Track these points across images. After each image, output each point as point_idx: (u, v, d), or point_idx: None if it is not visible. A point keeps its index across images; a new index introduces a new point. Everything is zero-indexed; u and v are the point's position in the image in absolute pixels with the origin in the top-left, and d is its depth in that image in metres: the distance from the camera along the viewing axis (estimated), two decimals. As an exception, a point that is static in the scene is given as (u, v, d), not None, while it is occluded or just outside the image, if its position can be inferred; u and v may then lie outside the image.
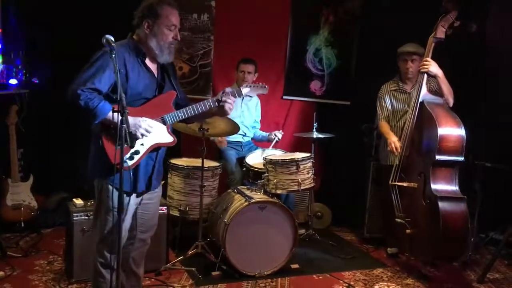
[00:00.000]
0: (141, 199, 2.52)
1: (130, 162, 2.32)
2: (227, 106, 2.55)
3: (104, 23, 4.04)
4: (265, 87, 2.81)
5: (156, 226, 2.72)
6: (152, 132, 2.39)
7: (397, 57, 3.85)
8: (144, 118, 2.37)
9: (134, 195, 2.44)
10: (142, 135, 2.35)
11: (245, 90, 2.68)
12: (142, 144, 2.37)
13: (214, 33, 4.73)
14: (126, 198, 2.39)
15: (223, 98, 2.55)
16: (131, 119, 2.28)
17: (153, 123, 2.40)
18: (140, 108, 2.40)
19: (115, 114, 2.17)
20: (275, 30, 4.83)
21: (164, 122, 2.46)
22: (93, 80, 2.25)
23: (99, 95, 2.27)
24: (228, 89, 2.60)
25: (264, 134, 4.46)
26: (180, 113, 2.49)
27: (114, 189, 2.34)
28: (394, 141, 3.62)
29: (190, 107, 2.52)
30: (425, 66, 3.43)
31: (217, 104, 2.56)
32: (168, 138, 2.47)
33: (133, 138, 2.33)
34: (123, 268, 2.54)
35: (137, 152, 2.36)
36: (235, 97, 2.60)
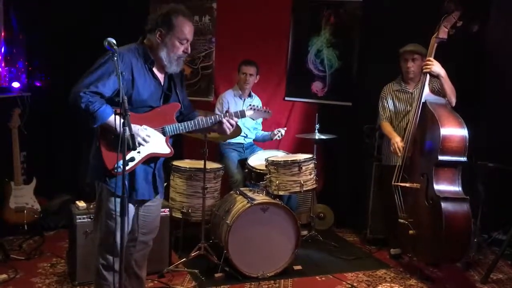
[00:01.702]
0: (141, 204, 2.51)
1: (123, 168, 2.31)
2: (226, 125, 2.57)
3: (106, 26, 4.06)
4: (269, 112, 2.84)
5: (158, 228, 2.72)
6: (150, 142, 2.39)
7: (399, 57, 3.85)
8: (145, 127, 2.37)
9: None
10: (139, 144, 2.34)
11: (249, 113, 2.72)
12: (138, 152, 2.37)
13: (215, 35, 4.74)
14: (128, 204, 2.39)
15: (225, 118, 2.56)
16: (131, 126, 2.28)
17: (153, 133, 2.40)
18: (143, 116, 2.40)
19: (117, 117, 2.16)
20: (276, 31, 4.84)
21: (164, 133, 2.45)
22: (97, 84, 2.24)
23: (101, 99, 2.27)
24: (231, 110, 2.63)
25: (267, 133, 4.46)
26: (181, 126, 2.49)
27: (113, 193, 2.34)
28: (397, 141, 3.62)
29: (192, 121, 2.52)
30: (428, 66, 3.42)
31: (218, 122, 2.57)
32: (165, 149, 2.46)
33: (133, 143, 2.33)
34: (125, 270, 2.54)
35: (132, 159, 2.35)
36: (238, 118, 2.62)
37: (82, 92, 2.22)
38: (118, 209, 2.31)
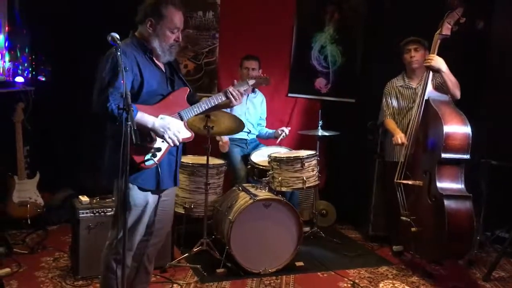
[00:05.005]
0: (160, 197, 2.53)
1: (155, 159, 2.35)
2: (234, 96, 2.59)
3: (107, 22, 4.05)
4: (267, 78, 2.88)
5: (172, 222, 2.76)
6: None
7: (401, 51, 3.84)
8: (162, 116, 2.38)
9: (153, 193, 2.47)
10: (170, 138, 2.35)
11: (251, 82, 2.76)
12: (163, 141, 2.39)
13: (219, 31, 4.73)
14: (150, 196, 2.44)
15: (231, 89, 2.60)
16: (161, 120, 2.34)
17: (172, 120, 2.42)
18: (156, 106, 2.42)
19: (150, 116, 2.27)
20: (280, 27, 4.83)
21: (181, 118, 2.48)
22: (114, 85, 2.24)
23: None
24: (235, 81, 2.70)
25: (271, 131, 4.46)
26: (195, 108, 2.53)
27: (136, 188, 2.37)
28: (400, 136, 3.62)
29: (204, 101, 2.56)
30: (428, 61, 3.42)
31: (226, 96, 2.60)
32: (186, 133, 2.50)
33: (150, 136, 2.36)
34: (137, 264, 2.56)
35: (159, 149, 2.38)
36: (243, 87, 2.66)
37: (105, 98, 2.21)
38: (141, 202, 2.39)
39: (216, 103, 2.59)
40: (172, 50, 2.46)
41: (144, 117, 2.29)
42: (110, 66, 2.27)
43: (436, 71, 3.44)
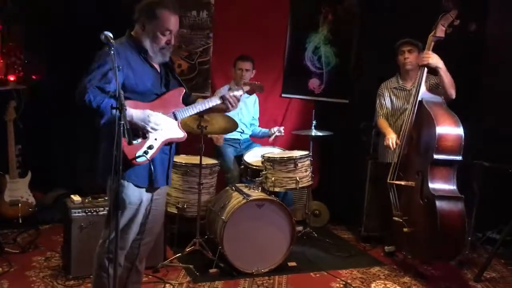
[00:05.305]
0: (152, 195, 2.53)
1: (147, 156, 2.36)
2: (231, 102, 2.61)
3: (103, 20, 4.04)
4: (261, 86, 2.87)
5: (163, 221, 2.75)
6: (165, 127, 2.42)
7: (395, 53, 3.85)
8: (155, 113, 2.38)
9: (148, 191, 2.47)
10: (153, 129, 2.36)
11: (246, 88, 2.77)
12: (155, 139, 2.41)
13: (213, 31, 4.73)
14: (145, 194, 2.44)
15: (228, 95, 2.61)
16: (139, 113, 2.33)
17: (165, 118, 2.43)
18: (152, 104, 2.43)
19: (130, 109, 2.25)
20: (274, 27, 4.83)
21: (175, 118, 2.49)
22: (100, 81, 2.25)
23: (104, 94, 2.26)
24: (233, 86, 2.67)
25: (265, 130, 4.46)
26: (190, 109, 2.54)
27: (131, 185, 2.38)
28: (392, 137, 3.62)
29: (200, 103, 2.57)
30: (425, 59, 3.43)
31: (222, 100, 2.61)
32: (179, 133, 2.51)
33: (142, 132, 2.36)
34: (130, 263, 2.56)
35: (151, 147, 2.39)
36: (239, 93, 2.66)
37: (84, 91, 2.22)
38: (136, 200, 2.39)
39: (211, 106, 2.60)
40: (164, 52, 2.46)
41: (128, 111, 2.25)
42: (97, 63, 2.28)
43: (434, 68, 3.45)
